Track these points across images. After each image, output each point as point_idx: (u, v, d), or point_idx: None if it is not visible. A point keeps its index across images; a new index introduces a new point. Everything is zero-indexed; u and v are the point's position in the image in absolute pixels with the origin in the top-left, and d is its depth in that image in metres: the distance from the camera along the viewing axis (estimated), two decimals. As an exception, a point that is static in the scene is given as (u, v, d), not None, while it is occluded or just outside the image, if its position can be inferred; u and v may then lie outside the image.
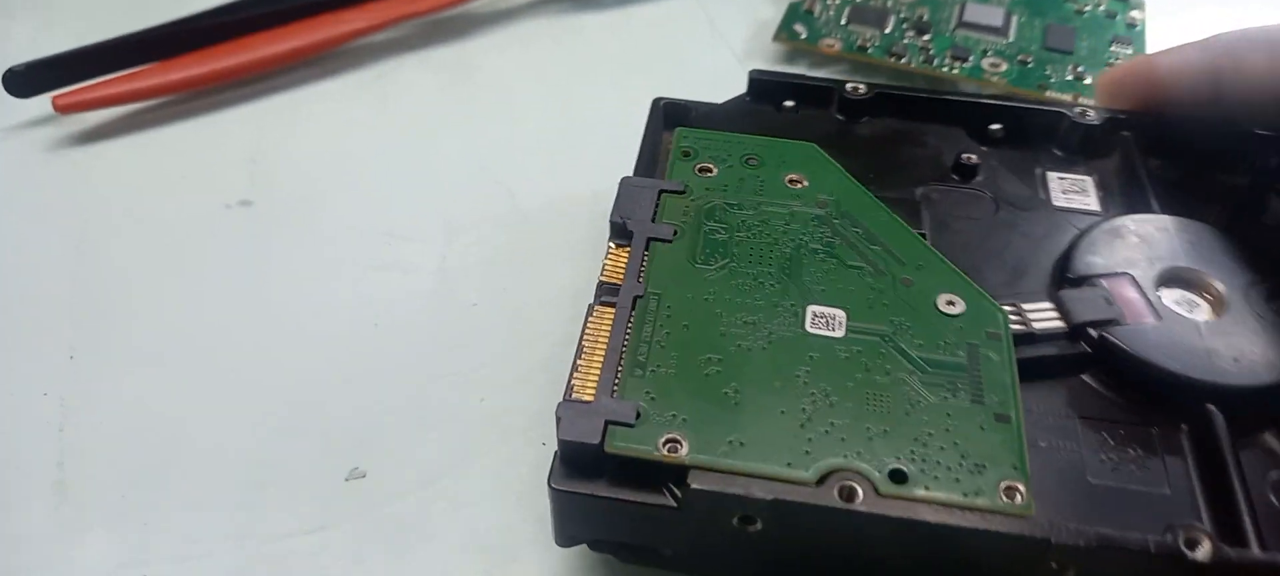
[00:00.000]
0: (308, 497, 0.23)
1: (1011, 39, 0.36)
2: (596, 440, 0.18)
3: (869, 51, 0.35)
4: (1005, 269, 0.24)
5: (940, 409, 0.19)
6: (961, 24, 0.36)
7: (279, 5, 0.35)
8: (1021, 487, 0.17)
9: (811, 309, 0.21)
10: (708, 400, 0.19)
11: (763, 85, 0.28)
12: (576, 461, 0.18)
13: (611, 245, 0.22)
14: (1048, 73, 0.34)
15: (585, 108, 0.34)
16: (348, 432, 0.25)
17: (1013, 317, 0.21)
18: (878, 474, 0.18)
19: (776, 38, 0.36)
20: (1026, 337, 0.21)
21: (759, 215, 0.23)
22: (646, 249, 0.22)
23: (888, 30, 0.36)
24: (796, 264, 0.22)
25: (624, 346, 0.20)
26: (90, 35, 0.33)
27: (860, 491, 0.17)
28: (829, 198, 0.23)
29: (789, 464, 0.18)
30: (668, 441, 0.18)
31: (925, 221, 0.25)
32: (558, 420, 0.18)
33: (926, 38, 0.36)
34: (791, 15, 0.37)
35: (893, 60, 0.35)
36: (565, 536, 0.20)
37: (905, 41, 0.36)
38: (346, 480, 0.24)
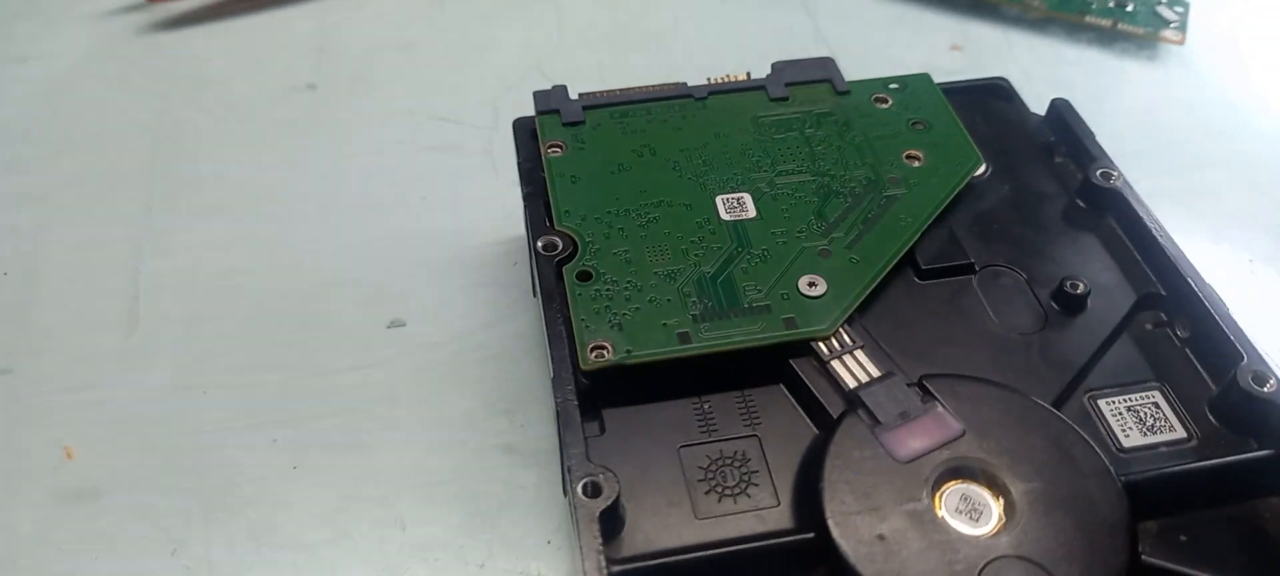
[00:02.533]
0: (351, 341, 0.26)
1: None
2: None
3: (914, -27, 0.36)
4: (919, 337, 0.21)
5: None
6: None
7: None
8: None
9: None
10: None
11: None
12: None
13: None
14: (1090, 0, 0.35)
15: (638, 11, 0.36)
16: (392, 288, 0.27)
17: (834, 344, 0.20)
18: None
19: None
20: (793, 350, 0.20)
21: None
22: None
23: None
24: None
25: None
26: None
27: None
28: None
29: None
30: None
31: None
32: None
33: (973, -39, 0.36)
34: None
35: (937, -19, 0.36)
36: None
37: (951, -35, 0.36)
38: (388, 327, 0.26)
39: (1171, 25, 0.34)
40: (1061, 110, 0.26)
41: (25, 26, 0.36)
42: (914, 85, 0.26)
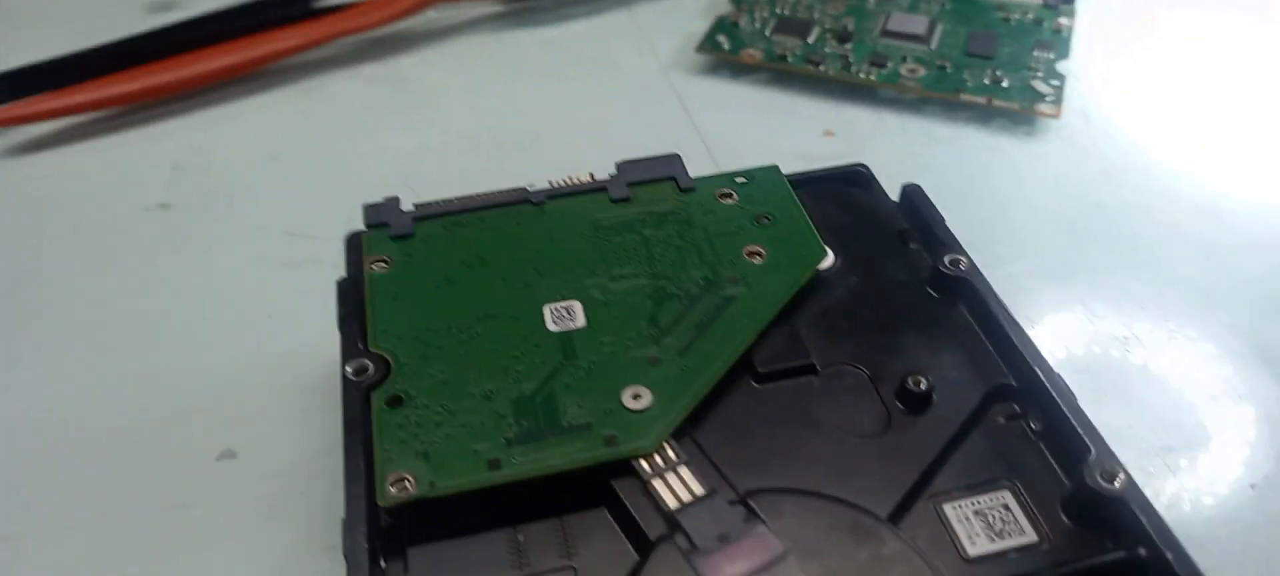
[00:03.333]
0: (178, 477, 0.24)
1: (934, 46, 0.36)
2: None
3: (789, 60, 0.36)
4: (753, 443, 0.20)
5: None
6: (885, 33, 0.36)
7: (211, 28, 0.36)
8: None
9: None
10: None
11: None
12: None
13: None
14: (965, 77, 0.34)
15: (511, 115, 0.35)
16: (228, 416, 0.25)
17: (657, 461, 0.19)
18: None
19: (700, 49, 0.37)
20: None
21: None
22: None
23: (810, 40, 0.36)
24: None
25: None
26: (27, 56, 0.35)
27: None
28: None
29: None
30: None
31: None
32: None
33: (847, 45, 0.36)
34: (717, 28, 0.37)
35: (811, 67, 0.35)
36: None
37: (826, 50, 0.36)
38: (217, 459, 0.24)
39: (1047, 99, 0.33)
40: (912, 195, 0.25)
41: None
42: (761, 178, 0.25)
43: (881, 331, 0.22)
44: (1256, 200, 0.31)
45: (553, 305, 0.22)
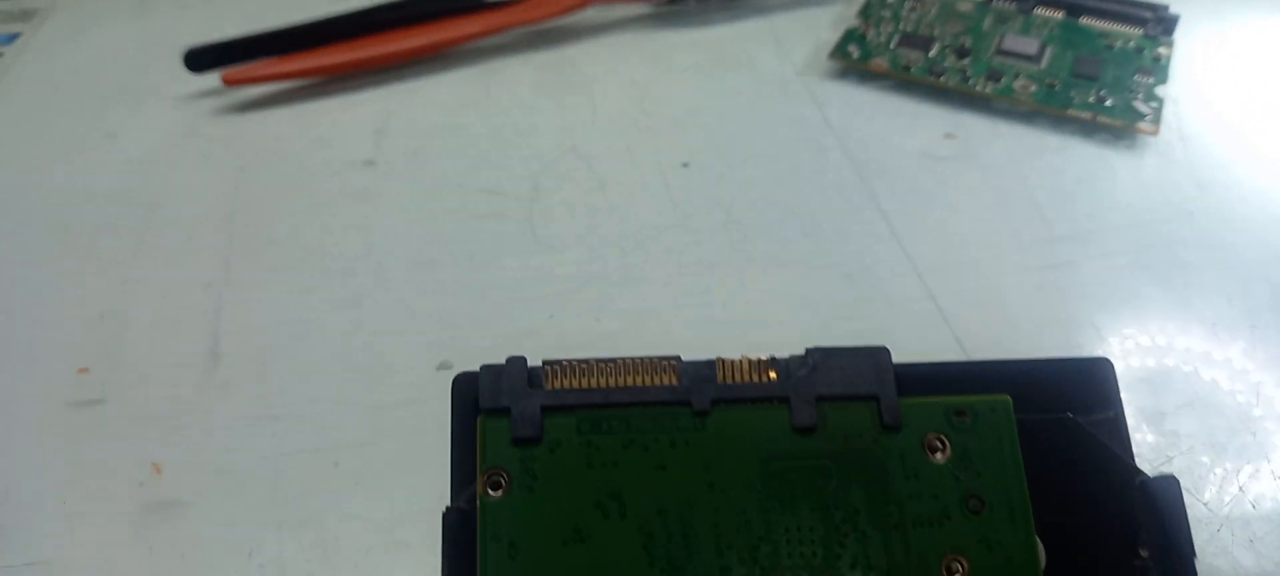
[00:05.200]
0: (404, 381, 0.29)
1: (1043, 66, 0.40)
2: None
3: (912, 71, 0.40)
4: None
5: None
6: (999, 51, 0.41)
7: (407, 11, 0.41)
8: None
9: None
10: None
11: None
12: None
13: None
14: (1072, 95, 0.38)
15: (660, 102, 0.40)
16: (440, 334, 0.30)
17: None
18: None
19: (831, 55, 0.41)
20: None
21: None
22: None
23: (932, 54, 0.41)
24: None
25: None
26: (249, 26, 0.40)
27: None
28: None
29: None
30: None
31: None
32: None
33: (965, 61, 0.40)
34: (847, 38, 0.42)
35: (933, 78, 0.40)
36: None
37: (946, 64, 0.40)
38: (437, 369, 0.29)
39: (1146, 118, 0.37)
40: (1160, 491, 0.20)
41: (116, 109, 0.40)
42: (985, 418, 0.20)
43: None
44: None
45: None
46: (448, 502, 0.20)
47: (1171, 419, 0.28)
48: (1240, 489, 0.26)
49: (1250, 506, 0.26)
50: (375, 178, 0.36)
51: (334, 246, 0.33)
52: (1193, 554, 0.20)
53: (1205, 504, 0.25)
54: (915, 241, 0.33)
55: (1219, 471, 0.26)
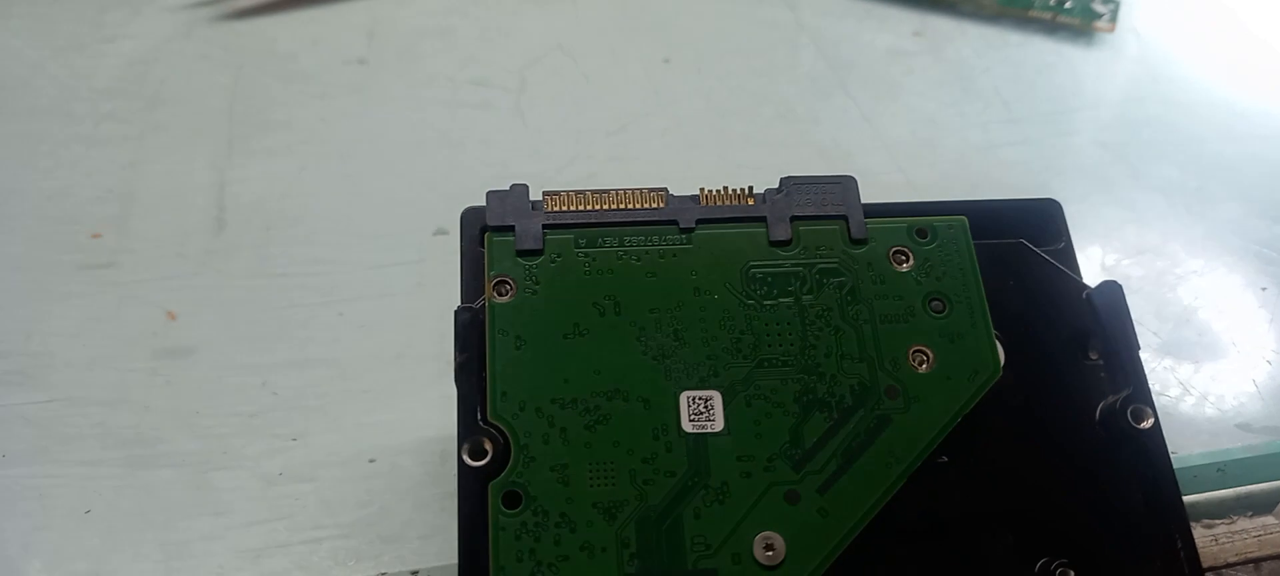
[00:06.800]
0: (399, 245, 0.31)
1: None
2: None
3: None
4: None
5: None
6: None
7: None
8: None
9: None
10: None
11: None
12: None
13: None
14: (1033, -5, 0.40)
15: (640, 6, 0.41)
16: (431, 205, 0.32)
17: None
18: None
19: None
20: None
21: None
22: None
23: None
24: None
25: None
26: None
27: None
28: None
29: None
30: None
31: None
32: None
33: (933, -33, 0.42)
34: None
35: (902, -18, 0.41)
36: None
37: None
38: (433, 235, 0.31)
39: (1103, 18, 0.39)
40: (1108, 296, 0.22)
41: (114, 14, 0.41)
42: (945, 237, 0.22)
43: (1034, 481, 0.21)
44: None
45: (690, 393, 0.20)
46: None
47: (1122, 267, 0.30)
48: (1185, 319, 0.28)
49: (1195, 335, 0.28)
50: (367, 74, 0.38)
51: (330, 132, 0.35)
52: (1138, 346, 0.22)
53: (1155, 332, 0.28)
54: (884, 124, 0.35)
55: (1165, 308, 0.29)
